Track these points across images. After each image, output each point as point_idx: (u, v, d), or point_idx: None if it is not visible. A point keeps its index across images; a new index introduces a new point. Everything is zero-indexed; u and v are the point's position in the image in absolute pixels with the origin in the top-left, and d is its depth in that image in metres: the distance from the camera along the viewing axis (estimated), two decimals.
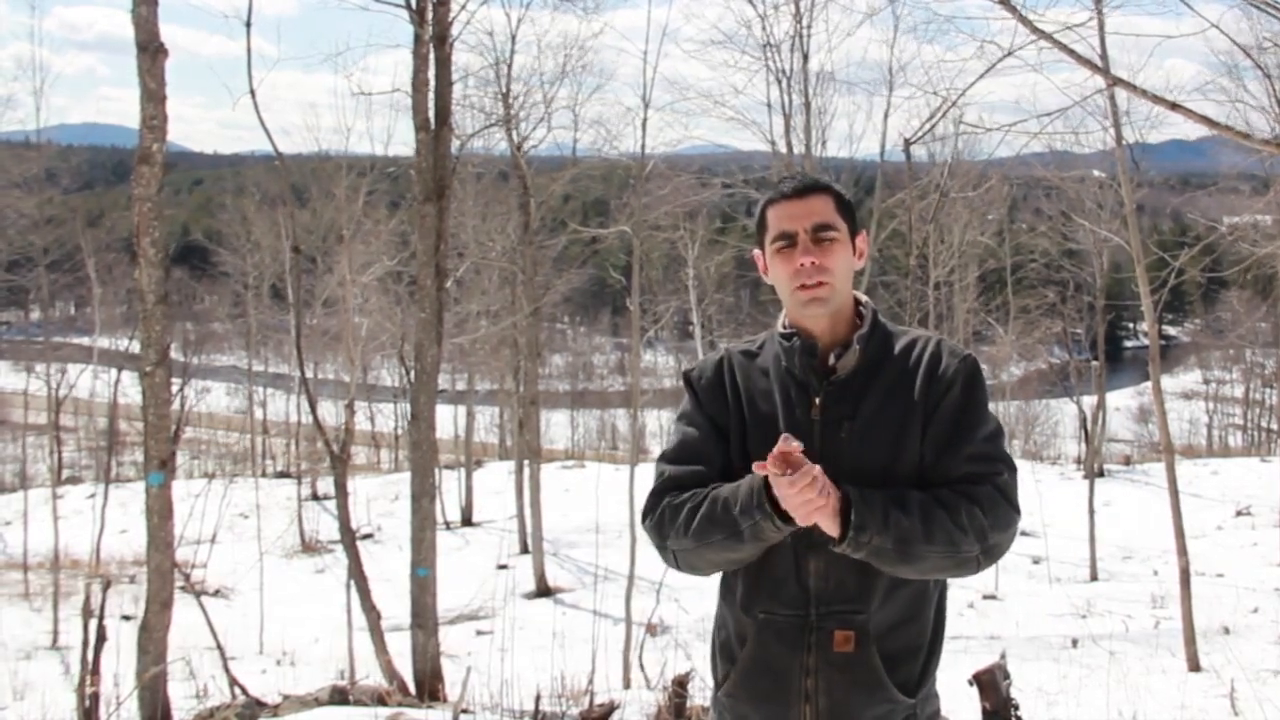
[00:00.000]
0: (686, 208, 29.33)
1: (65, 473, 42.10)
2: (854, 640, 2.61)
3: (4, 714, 10.86)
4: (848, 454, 2.60)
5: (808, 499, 2.40)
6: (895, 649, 2.64)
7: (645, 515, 2.74)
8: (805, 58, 21.30)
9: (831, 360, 2.68)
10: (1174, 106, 8.61)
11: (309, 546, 30.20)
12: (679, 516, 2.65)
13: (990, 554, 2.56)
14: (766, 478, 2.50)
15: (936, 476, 2.60)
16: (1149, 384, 19.37)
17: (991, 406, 2.76)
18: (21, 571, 25.09)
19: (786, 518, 2.50)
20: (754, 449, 2.66)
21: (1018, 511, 2.61)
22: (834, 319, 2.72)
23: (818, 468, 2.42)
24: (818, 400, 2.67)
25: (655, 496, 2.74)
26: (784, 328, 2.76)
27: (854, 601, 2.61)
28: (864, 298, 2.79)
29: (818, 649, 2.62)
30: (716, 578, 2.85)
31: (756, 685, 2.71)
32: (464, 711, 7.92)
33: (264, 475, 42.23)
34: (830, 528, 2.47)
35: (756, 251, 2.81)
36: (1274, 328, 54.82)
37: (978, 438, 2.63)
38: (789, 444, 2.40)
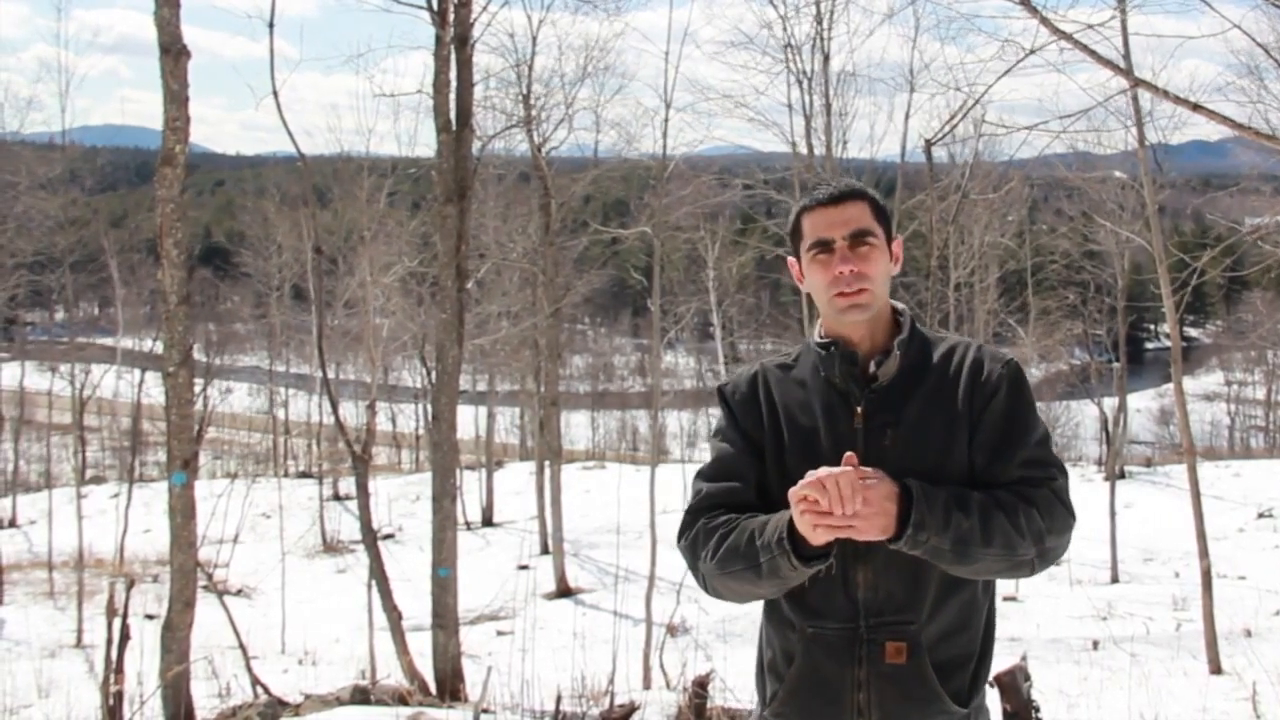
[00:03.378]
0: (707, 209, 29.34)
1: (89, 472, 42.35)
2: (906, 651, 2.55)
3: (29, 712, 10.94)
4: (892, 461, 2.52)
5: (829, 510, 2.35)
6: (947, 658, 2.59)
7: (680, 534, 2.69)
8: (826, 59, 21.27)
9: (872, 368, 2.65)
10: (1196, 107, 8.60)
11: (330, 546, 30.30)
12: (711, 540, 2.61)
13: (1045, 558, 2.52)
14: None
15: (988, 482, 2.56)
16: (1170, 385, 19.31)
17: None
18: (46, 570, 25.21)
19: (805, 558, 2.46)
20: (793, 463, 2.60)
21: (1073, 516, 2.58)
22: (872, 326, 2.68)
23: (844, 473, 2.35)
24: (859, 409, 2.62)
25: (691, 515, 2.69)
26: (820, 337, 2.72)
27: (904, 611, 2.56)
28: (901, 305, 2.76)
29: (869, 662, 2.56)
30: None
31: (807, 702, 2.64)
32: (485, 711, 7.95)
33: (286, 475, 42.35)
34: (880, 530, 2.40)
35: (791, 259, 2.77)
36: None
37: (1030, 442, 2.60)
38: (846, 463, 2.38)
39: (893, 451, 2.56)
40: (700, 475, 2.75)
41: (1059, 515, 2.53)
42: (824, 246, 2.65)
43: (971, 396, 2.61)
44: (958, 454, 2.58)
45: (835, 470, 2.35)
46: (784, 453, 2.66)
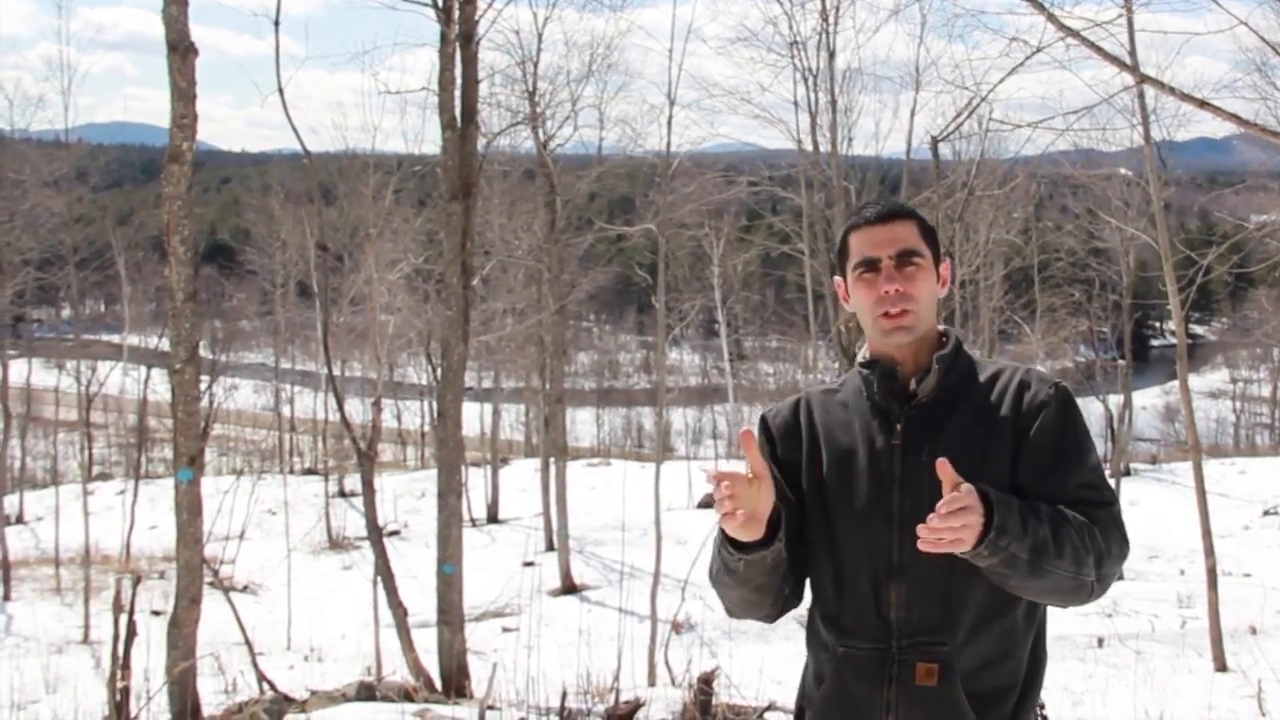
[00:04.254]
0: (712, 206, 29.42)
1: (96, 469, 42.41)
2: (938, 674, 2.49)
3: (37, 707, 10.96)
4: (929, 480, 2.41)
5: (950, 526, 2.24)
6: (985, 689, 2.51)
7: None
8: (831, 55, 21.30)
9: (913, 385, 2.61)
10: (1203, 104, 8.59)
11: (336, 543, 30.35)
12: (713, 560, 2.63)
13: (1103, 583, 2.43)
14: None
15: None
16: (1176, 383, 19.31)
17: None
18: (53, 567, 25.31)
19: (740, 546, 2.45)
20: (830, 480, 2.60)
21: (1128, 544, 2.50)
22: (917, 347, 2.63)
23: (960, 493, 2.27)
24: (899, 426, 2.58)
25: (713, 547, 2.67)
26: (864, 359, 2.68)
27: (937, 633, 2.50)
28: (947, 328, 2.70)
29: (899, 683, 2.51)
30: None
31: None
32: (490, 708, 7.96)
33: (291, 472, 42.43)
34: (976, 537, 2.27)
35: (837, 279, 2.73)
36: None
37: (1085, 465, 2.52)
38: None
39: (930, 470, 2.43)
40: None
41: (1117, 541, 2.45)
42: (870, 265, 2.60)
43: (1016, 418, 2.54)
44: (997, 474, 2.49)
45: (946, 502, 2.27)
46: (823, 469, 2.63)
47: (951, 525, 2.23)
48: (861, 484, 2.55)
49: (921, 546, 2.26)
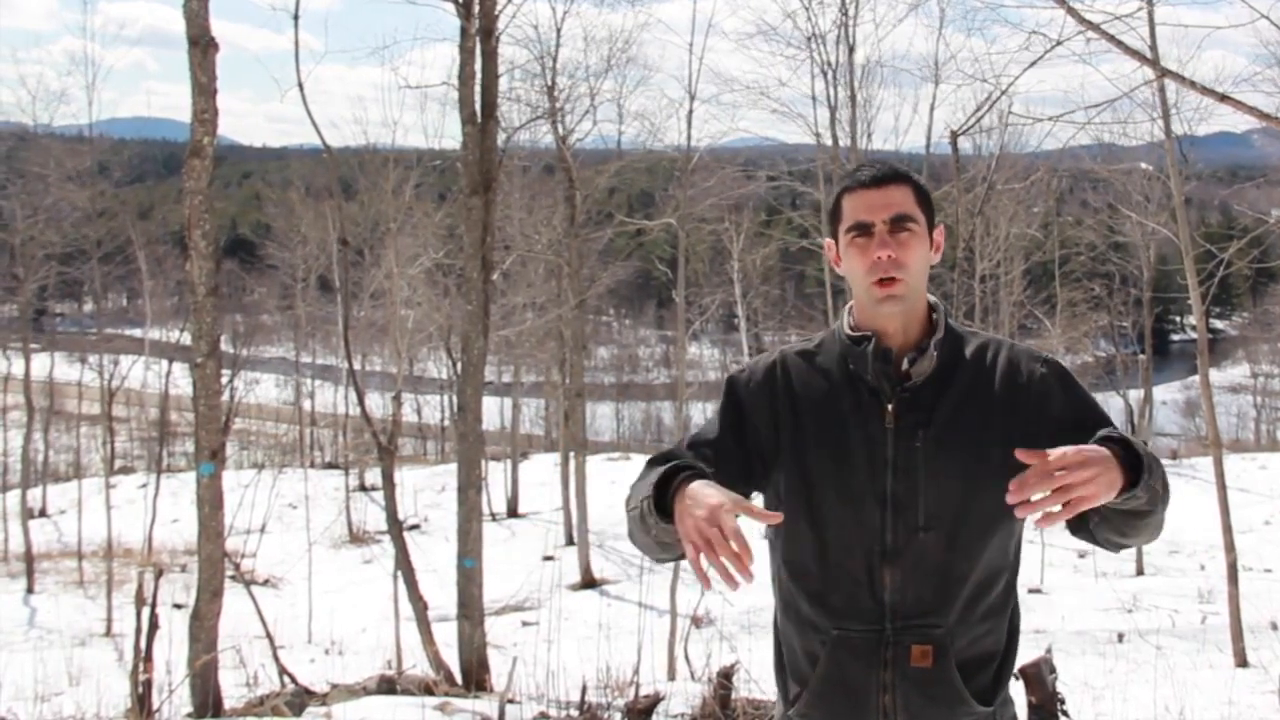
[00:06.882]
0: (731, 200, 29.38)
1: (118, 462, 42.62)
2: (932, 655, 2.50)
3: (60, 699, 11.02)
4: (923, 463, 2.47)
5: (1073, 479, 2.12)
6: (970, 658, 2.53)
7: None
8: (851, 50, 21.27)
9: (905, 365, 2.55)
10: (1223, 98, 8.56)
11: (357, 537, 30.46)
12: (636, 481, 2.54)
13: (1163, 525, 2.43)
14: (673, 468, 2.38)
15: None
16: (1196, 378, 19.23)
17: None
18: (76, 560, 25.45)
19: (668, 517, 2.33)
20: (821, 462, 2.54)
21: None
22: (907, 319, 2.57)
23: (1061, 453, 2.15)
24: (890, 407, 2.52)
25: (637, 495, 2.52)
26: (852, 329, 2.62)
27: (932, 615, 2.49)
28: (934, 299, 2.64)
29: (895, 664, 2.50)
30: (768, 591, 2.69)
31: (832, 704, 2.58)
32: (510, 701, 7.98)
33: (312, 466, 42.57)
34: (1113, 486, 2.17)
35: (829, 241, 2.67)
36: None
37: (1109, 422, 2.50)
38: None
39: (923, 452, 2.48)
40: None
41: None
42: (863, 230, 2.54)
43: (1013, 401, 2.53)
44: (991, 455, 2.46)
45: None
46: (807, 445, 2.57)
47: (1083, 477, 2.12)
48: (854, 467, 2.51)
49: (1045, 522, 2.16)
